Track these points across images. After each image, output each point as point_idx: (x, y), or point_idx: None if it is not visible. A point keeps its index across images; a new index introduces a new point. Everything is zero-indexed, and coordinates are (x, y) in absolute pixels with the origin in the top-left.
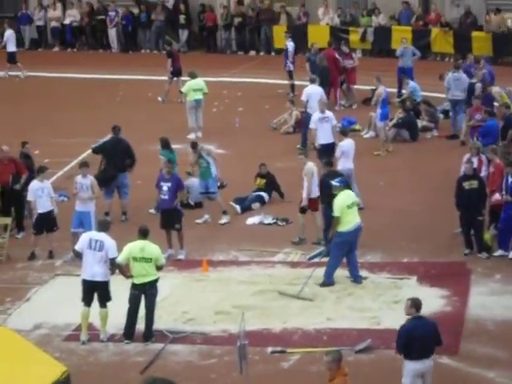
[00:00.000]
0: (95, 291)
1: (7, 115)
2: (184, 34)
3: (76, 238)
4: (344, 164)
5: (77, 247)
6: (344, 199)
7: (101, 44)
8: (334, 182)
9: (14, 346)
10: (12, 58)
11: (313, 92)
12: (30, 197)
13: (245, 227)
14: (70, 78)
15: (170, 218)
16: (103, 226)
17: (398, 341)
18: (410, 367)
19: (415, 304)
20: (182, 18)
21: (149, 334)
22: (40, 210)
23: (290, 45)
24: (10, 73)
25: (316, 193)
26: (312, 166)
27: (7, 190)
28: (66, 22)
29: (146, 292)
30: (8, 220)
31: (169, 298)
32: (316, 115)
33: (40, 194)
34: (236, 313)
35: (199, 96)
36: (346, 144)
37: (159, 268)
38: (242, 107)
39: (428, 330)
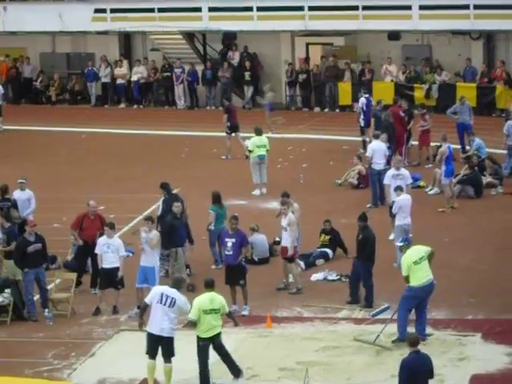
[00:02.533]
0: (160, 345)
1: (74, 171)
2: (249, 91)
3: (141, 293)
4: (401, 219)
5: (147, 299)
6: (409, 256)
7: (166, 101)
8: (399, 243)
9: None
10: None
11: (377, 148)
12: (97, 250)
13: (309, 283)
14: (136, 135)
15: (235, 274)
16: (178, 283)
17: (401, 374)
18: None
19: (410, 340)
20: (247, 74)
21: (237, 372)
22: (105, 266)
23: (362, 101)
24: None
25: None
26: (293, 217)
27: (90, 247)
28: (134, 78)
29: (214, 342)
30: (73, 275)
31: (233, 354)
32: (390, 172)
33: (106, 250)
34: (300, 369)
35: (263, 152)
36: (403, 199)
37: (229, 315)
38: (307, 163)
39: (422, 365)
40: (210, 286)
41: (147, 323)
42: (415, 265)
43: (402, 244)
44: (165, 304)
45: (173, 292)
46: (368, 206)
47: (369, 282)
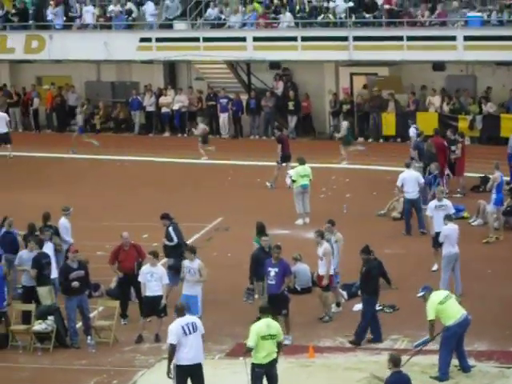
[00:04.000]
0: (193, 374)
1: (118, 199)
2: (293, 121)
3: None
4: (448, 249)
5: (172, 340)
6: (433, 299)
7: (210, 129)
8: (419, 294)
9: None
10: (3, 139)
11: (408, 177)
12: (140, 278)
13: (351, 313)
14: (180, 163)
15: (277, 303)
16: (180, 311)
17: None
18: None
19: (393, 360)
20: (290, 104)
21: None
22: (148, 294)
23: (412, 131)
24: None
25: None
26: (329, 247)
27: (131, 277)
28: (175, 107)
29: (268, 372)
30: (116, 303)
31: None
32: (433, 203)
33: (149, 278)
34: None
35: (306, 182)
36: (449, 228)
37: (279, 345)
38: (350, 193)
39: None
40: (265, 311)
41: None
42: (441, 304)
43: (423, 293)
44: (190, 332)
45: (188, 318)
46: (402, 232)
47: (368, 318)
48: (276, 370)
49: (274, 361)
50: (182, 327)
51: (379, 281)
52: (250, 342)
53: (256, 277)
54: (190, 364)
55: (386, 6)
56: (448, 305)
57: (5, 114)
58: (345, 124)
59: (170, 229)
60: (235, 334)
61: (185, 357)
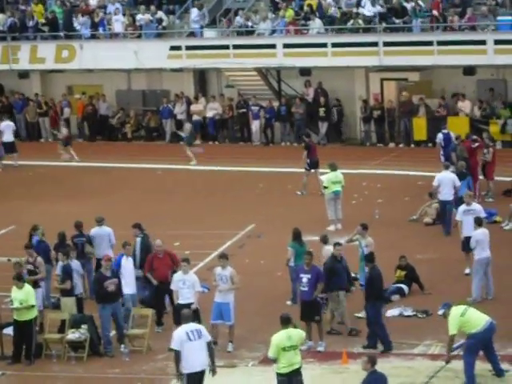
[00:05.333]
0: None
1: (149, 207)
2: (323, 127)
3: (215, 329)
4: (480, 253)
5: (175, 346)
6: (454, 313)
7: (242, 137)
8: (439, 312)
9: None
10: (9, 148)
11: (444, 178)
12: (172, 286)
13: (384, 319)
14: (211, 171)
15: (310, 310)
16: (186, 319)
17: None
18: None
19: (372, 360)
20: (321, 110)
21: None
22: (180, 301)
23: (439, 136)
24: (3, 162)
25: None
26: (329, 250)
27: (165, 285)
28: (209, 115)
29: (292, 380)
30: (150, 311)
31: None
32: (462, 207)
33: (181, 286)
34: None
35: (338, 188)
36: (479, 233)
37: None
38: (382, 199)
39: (383, 383)
40: (286, 322)
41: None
42: (463, 316)
43: (443, 311)
44: (195, 339)
45: (193, 325)
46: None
47: (376, 324)
48: (301, 378)
49: (297, 370)
50: (187, 333)
51: (382, 288)
52: (271, 354)
53: (331, 286)
54: (196, 371)
55: (435, 12)
56: (469, 315)
57: (12, 123)
58: (188, 126)
59: (138, 240)
60: (268, 342)
61: (191, 364)
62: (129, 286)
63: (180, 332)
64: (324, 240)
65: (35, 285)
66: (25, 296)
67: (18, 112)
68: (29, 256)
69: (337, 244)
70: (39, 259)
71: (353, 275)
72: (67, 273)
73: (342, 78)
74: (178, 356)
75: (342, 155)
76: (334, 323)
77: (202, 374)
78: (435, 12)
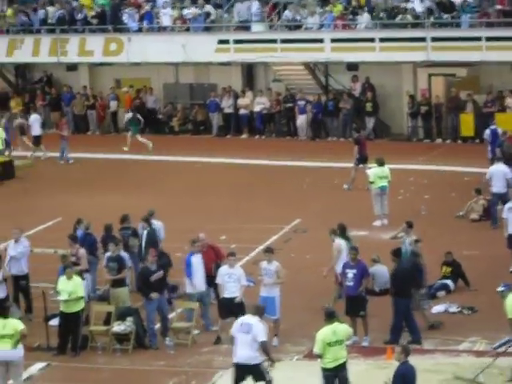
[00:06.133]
0: (248, 374)
1: (196, 200)
2: (370, 122)
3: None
4: None
5: (232, 331)
6: None
7: (288, 131)
8: (499, 289)
9: None
10: (37, 141)
11: (496, 171)
12: (218, 280)
13: (430, 315)
14: (258, 165)
15: (355, 305)
16: (257, 311)
17: (397, 382)
18: None
19: (406, 350)
20: (368, 105)
21: None
22: (226, 295)
23: (486, 132)
24: (34, 154)
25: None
26: (340, 244)
27: (209, 278)
28: (256, 109)
29: (338, 375)
30: (195, 305)
31: None
32: (508, 204)
33: (227, 280)
34: None
35: (385, 183)
36: None
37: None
38: (428, 195)
39: (413, 373)
40: (330, 317)
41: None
42: None
43: (502, 289)
44: (244, 332)
45: (250, 319)
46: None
47: (397, 319)
48: (346, 373)
49: (343, 365)
50: (240, 324)
51: (408, 283)
52: (316, 349)
53: (416, 284)
54: (238, 362)
55: (498, 7)
56: None
57: (38, 116)
58: (128, 115)
59: (145, 233)
60: (313, 336)
61: (235, 354)
62: (201, 283)
63: (239, 320)
64: (335, 232)
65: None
66: (73, 287)
67: (66, 104)
68: (71, 248)
69: (417, 241)
70: (81, 251)
71: None
72: (121, 263)
73: (390, 73)
74: (232, 342)
75: (389, 150)
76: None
77: (246, 368)
78: (499, 6)
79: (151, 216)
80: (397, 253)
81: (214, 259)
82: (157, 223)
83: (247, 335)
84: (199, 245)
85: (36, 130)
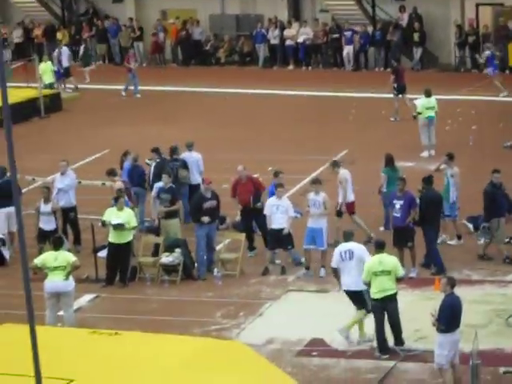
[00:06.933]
0: (352, 300)
1: (242, 132)
2: (418, 52)
3: (308, 254)
4: None
5: (333, 263)
6: None
7: (335, 62)
8: None
9: (248, 361)
10: (66, 73)
11: None
12: (265, 211)
13: (477, 246)
14: (304, 96)
15: (403, 236)
16: (348, 236)
17: (442, 315)
18: (450, 339)
19: (451, 282)
20: (415, 35)
21: (399, 343)
22: (273, 226)
23: None
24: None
25: (351, 198)
26: (346, 173)
27: (248, 209)
28: (300, 40)
29: (387, 306)
30: (242, 236)
31: (401, 316)
32: None
33: (274, 211)
34: (468, 332)
35: (432, 114)
36: None
37: (399, 279)
38: (476, 125)
39: (460, 304)
40: (379, 247)
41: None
42: None
43: None
44: (347, 259)
45: (348, 245)
46: None
47: (431, 248)
48: (394, 305)
49: (391, 296)
50: (340, 253)
51: (437, 211)
52: (363, 277)
53: (491, 214)
54: (346, 290)
55: None
56: None
57: (66, 48)
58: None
59: (153, 166)
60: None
61: (343, 282)
62: None
63: (336, 251)
64: (335, 164)
65: None
66: (126, 218)
67: (113, 37)
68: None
69: (495, 171)
70: (118, 183)
71: None
72: (175, 194)
73: (437, 2)
74: (335, 272)
75: (436, 81)
76: (487, 249)
77: (352, 293)
78: None
79: (190, 147)
80: (427, 180)
81: (252, 191)
82: (196, 155)
83: (350, 261)
84: (282, 177)
85: (64, 61)
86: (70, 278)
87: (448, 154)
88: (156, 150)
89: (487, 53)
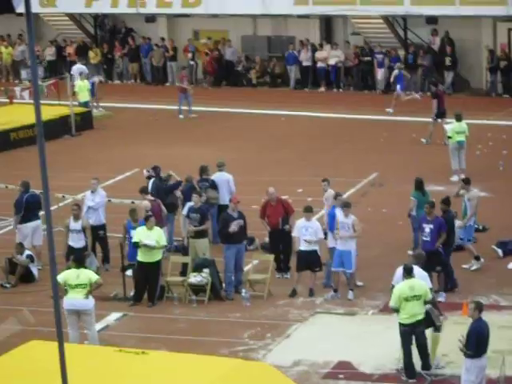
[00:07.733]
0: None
1: (272, 154)
2: (449, 76)
3: (336, 276)
4: None
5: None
6: None
7: (366, 85)
8: None
9: (275, 382)
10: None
11: None
12: (294, 233)
13: (506, 271)
14: (335, 119)
15: (432, 260)
16: (418, 259)
17: (470, 341)
18: (478, 364)
19: (479, 307)
20: (447, 59)
21: (427, 366)
22: (302, 248)
23: None
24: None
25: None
26: (330, 192)
27: (277, 231)
28: (331, 62)
29: (415, 330)
30: (270, 257)
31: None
32: None
33: (304, 233)
34: (496, 357)
35: (462, 138)
36: None
37: (427, 302)
38: (507, 150)
39: (487, 329)
40: (409, 272)
41: None
42: None
43: None
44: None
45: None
46: None
47: (446, 267)
48: (422, 329)
49: (421, 321)
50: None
51: (452, 233)
52: (392, 303)
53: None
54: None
55: None
56: None
57: (84, 67)
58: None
59: (150, 182)
60: (388, 290)
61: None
62: None
63: (398, 270)
64: (327, 181)
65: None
66: (156, 237)
67: (145, 56)
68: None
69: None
70: (145, 202)
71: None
72: (204, 214)
73: (469, 27)
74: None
75: (468, 105)
76: None
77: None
78: None
79: (221, 167)
80: (446, 201)
81: (282, 213)
82: (227, 175)
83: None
84: (341, 199)
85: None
86: (90, 296)
87: (463, 179)
88: (154, 168)
89: None
